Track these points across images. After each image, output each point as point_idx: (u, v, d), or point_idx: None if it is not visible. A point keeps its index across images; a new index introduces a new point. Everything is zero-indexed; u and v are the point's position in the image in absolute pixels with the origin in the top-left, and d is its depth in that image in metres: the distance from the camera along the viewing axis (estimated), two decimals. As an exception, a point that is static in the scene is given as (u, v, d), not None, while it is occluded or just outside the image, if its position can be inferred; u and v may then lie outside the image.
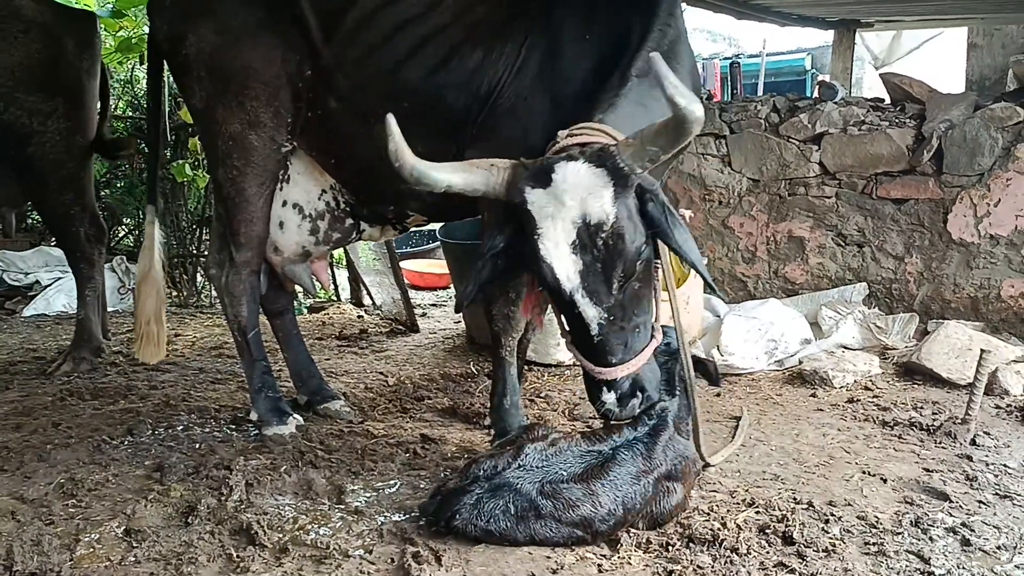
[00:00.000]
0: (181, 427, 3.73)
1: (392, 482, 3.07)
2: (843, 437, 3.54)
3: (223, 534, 2.65)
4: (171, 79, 3.97)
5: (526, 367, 4.16)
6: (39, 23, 4.52)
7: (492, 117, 3.11)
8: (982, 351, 3.49)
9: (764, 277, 5.75)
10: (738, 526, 2.63)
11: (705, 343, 4.66)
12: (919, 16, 7.40)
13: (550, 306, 3.04)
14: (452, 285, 6.71)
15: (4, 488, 3.05)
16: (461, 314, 5.53)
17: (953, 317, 4.93)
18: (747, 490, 2.96)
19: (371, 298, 6.68)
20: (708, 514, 2.73)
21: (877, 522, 2.69)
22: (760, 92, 10.27)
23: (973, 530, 2.62)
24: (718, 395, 4.18)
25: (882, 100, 5.69)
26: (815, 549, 2.50)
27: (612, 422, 2.70)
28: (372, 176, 3.39)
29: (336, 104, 3.37)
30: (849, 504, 2.84)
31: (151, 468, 3.25)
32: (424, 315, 6.34)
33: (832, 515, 2.73)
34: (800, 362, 4.56)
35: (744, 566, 2.41)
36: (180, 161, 6.53)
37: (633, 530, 2.60)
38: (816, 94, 6.20)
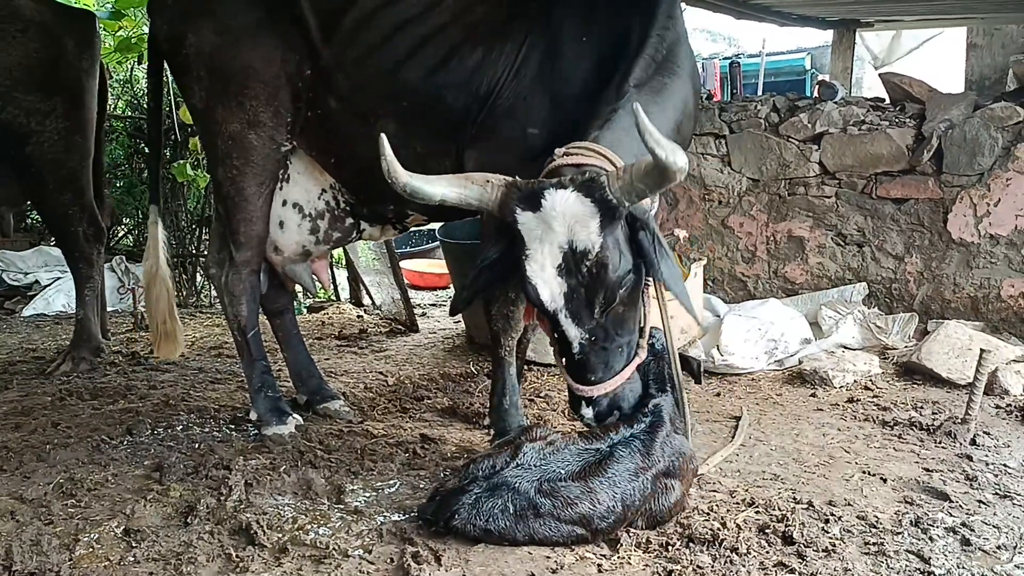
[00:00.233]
0: (180, 427, 3.73)
1: (392, 482, 3.07)
2: (843, 437, 3.54)
3: (222, 534, 2.65)
4: (171, 79, 3.98)
5: (526, 367, 4.16)
6: (38, 23, 4.52)
7: (491, 117, 3.11)
8: (982, 351, 3.49)
9: (764, 277, 5.75)
10: (738, 526, 2.63)
11: (705, 343, 4.66)
12: (919, 16, 7.40)
13: None
14: (452, 285, 6.71)
15: (3, 488, 3.05)
16: (461, 314, 5.53)
17: (953, 317, 4.93)
18: (747, 490, 2.95)
19: (371, 298, 6.68)
20: (708, 514, 2.73)
21: (877, 522, 2.69)
22: (760, 92, 10.25)
23: (973, 530, 2.62)
24: (718, 395, 4.18)
25: (882, 100, 5.69)
26: (815, 549, 2.49)
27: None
28: (372, 176, 3.36)
29: (336, 104, 3.37)
30: (849, 504, 2.84)
31: (150, 468, 3.25)
32: (424, 315, 6.34)
33: (832, 515, 2.73)
34: (800, 362, 4.56)
35: (744, 566, 2.41)
36: (180, 161, 6.53)
37: (632, 530, 2.60)
38: (816, 94, 6.19)
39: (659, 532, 2.61)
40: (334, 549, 2.54)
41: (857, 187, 5.31)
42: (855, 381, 4.26)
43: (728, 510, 2.76)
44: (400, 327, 5.85)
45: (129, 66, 7.38)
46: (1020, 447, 3.36)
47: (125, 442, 3.53)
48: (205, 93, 3.48)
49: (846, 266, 5.42)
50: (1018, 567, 2.43)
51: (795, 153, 5.48)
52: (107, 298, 5.69)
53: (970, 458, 3.24)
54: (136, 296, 6.38)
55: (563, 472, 2.56)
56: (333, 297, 6.93)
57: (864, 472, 3.13)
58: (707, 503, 2.83)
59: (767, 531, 2.61)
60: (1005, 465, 3.16)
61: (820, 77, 9.97)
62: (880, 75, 6.16)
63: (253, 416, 3.69)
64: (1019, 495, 2.90)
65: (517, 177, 2.52)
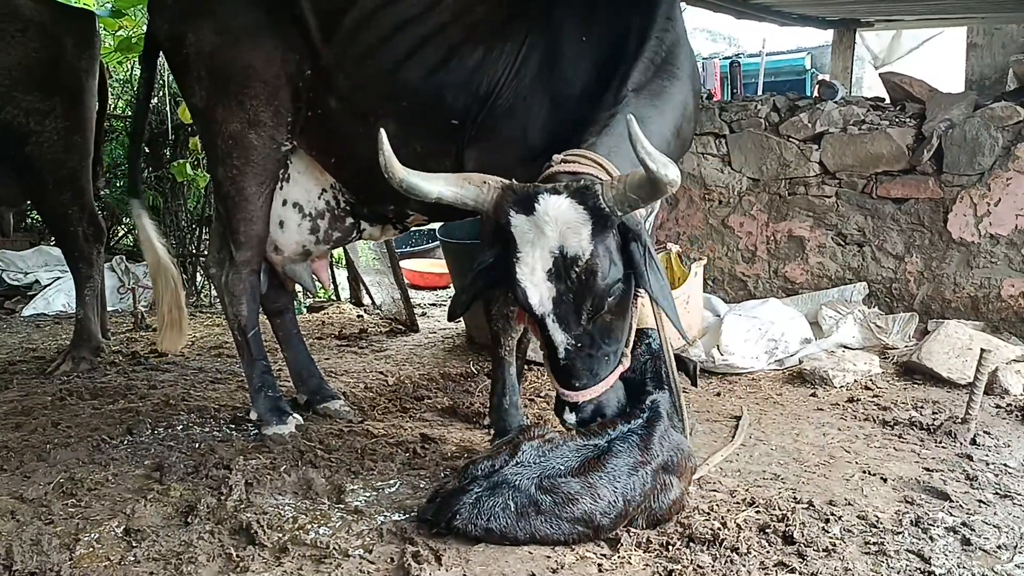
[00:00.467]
0: (181, 427, 3.73)
1: (392, 481, 3.07)
2: (843, 436, 3.53)
3: (223, 534, 2.65)
4: (171, 78, 3.97)
5: (526, 367, 4.16)
6: (37, 22, 4.52)
7: (491, 117, 3.11)
8: (982, 350, 3.49)
9: (764, 276, 5.75)
10: (738, 525, 2.63)
11: (705, 343, 4.66)
12: (919, 15, 7.39)
13: None
14: (452, 285, 6.71)
15: (4, 487, 3.05)
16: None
17: (953, 316, 4.93)
18: (747, 489, 2.95)
19: (371, 298, 6.68)
20: (708, 513, 2.73)
21: (877, 521, 2.69)
22: (760, 91, 10.25)
23: (973, 529, 2.62)
24: (718, 395, 4.18)
25: (882, 99, 5.69)
26: (815, 549, 2.49)
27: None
28: (372, 176, 3.36)
29: (336, 104, 3.37)
30: (849, 504, 2.84)
31: (151, 468, 3.25)
32: (424, 315, 6.34)
33: (832, 515, 2.73)
34: (800, 362, 4.56)
35: (744, 565, 2.41)
36: (180, 160, 6.52)
37: (633, 529, 2.60)
38: (816, 93, 6.19)
39: (659, 532, 2.61)
40: (334, 549, 2.54)
41: (857, 187, 5.31)
42: (855, 381, 4.26)
43: (728, 510, 2.76)
44: (400, 327, 5.85)
45: (129, 66, 7.37)
46: (1020, 447, 3.36)
47: (125, 442, 3.53)
48: (205, 93, 3.48)
49: (846, 266, 5.42)
50: (1018, 567, 2.43)
51: (795, 153, 5.48)
52: (107, 298, 5.68)
53: (970, 458, 3.24)
54: (136, 296, 6.39)
55: (563, 468, 2.56)
56: (333, 297, 6.93)
57: (864, 472, 3.13)
58: (707, 503, 2.83)
59: (767, 531, 2.61)
60: (1005, 465, 3.17)
61: (820, 77, 9.95)
62: (880, 75, 6.16)
63: (253, 416, 3.69)
64: (1019, 495, 2.90)
65: (514, 180, 2.53)
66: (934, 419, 3.63)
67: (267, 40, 3.35)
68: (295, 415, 3.70)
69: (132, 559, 2.52)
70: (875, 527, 2.66)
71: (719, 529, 2.58)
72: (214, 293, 6.66)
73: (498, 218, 2.50)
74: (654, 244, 2.79)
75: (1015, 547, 2.52)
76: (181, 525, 2.73)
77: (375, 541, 2.61)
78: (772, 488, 2.98)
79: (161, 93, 6.69)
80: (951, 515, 2.74)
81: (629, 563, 2.45)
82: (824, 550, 2.49)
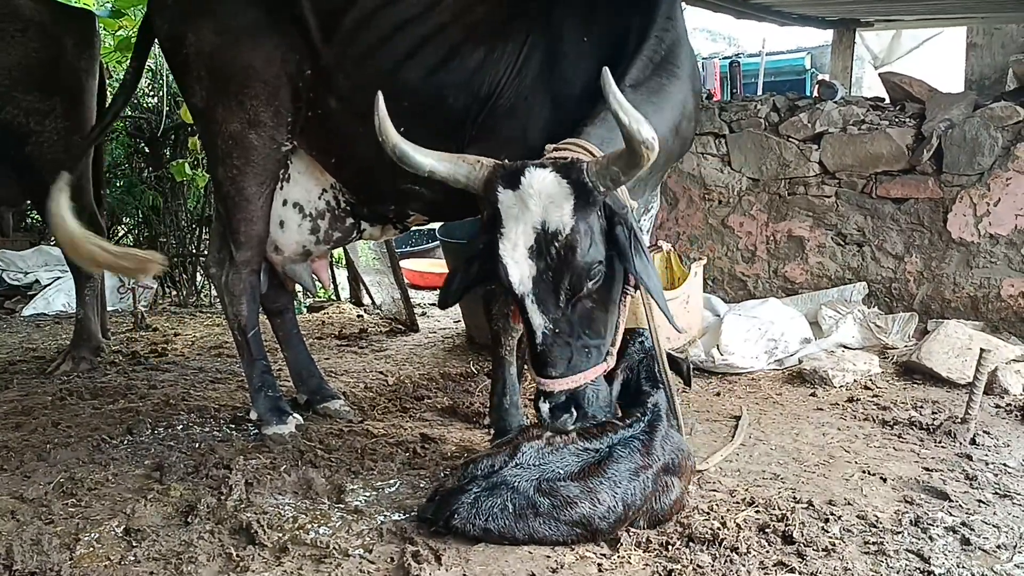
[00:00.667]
0: (181, 426, 3.73)
1: (392, 481, 3.07)
2: (843, 436, 3.54)
3: (223, 533, 2.65)
4: (171, 78, 3.97)
5: (526, 366, 4.16)
6: (37, 22, 4.51)
7: (492, 117, 3.11)
8: (982, 350, 3.49)
9: (764, 276, 5.75)
10: (738, 525, 2.63)
11: (705, 342, 4.66)
12: (919, 15, 7.39)
13: None
14: (452, 284, 6.69)
15: (4, 487, 3.05)
16: (461, 313, 5.54)
17: (953, 316, 4.93)
18: (747, 489, 2.96)
19: (371, 297, 6.68)
20: (708, 513, 2.73)
21: (877, 521, 2.69)
22: (760, 91, 10.25)
23: (973, 529, 2.62)
24: (718, 395, 4.18)
25: (882, 99, 5.70)
26: (815, 548, 2.50)
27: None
28: (372, 176, 3.39)
29: (336, 104, 3.37)
30: (849, 503, 2.84)
31: (151, 467, 3.25)
32: (424, 314, 6.34)
33: (832, 514, 2.73)
34: (800, 361, 4.56)
35: (744, 565, 2.41)
36: (180, 160, 6.52)
37: (633, 529, 2.60)
38: (816, 93, 6.19)
39: (659, 531, 2.61)
40: (334, 548, 2.54)
41: (857, 187, 5.31)
42: (855, 381, 4.26)
43: (728, 509, 2.77)
44: (400, 327, 5.86)
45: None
46: (1020, 447, 3.36)
47: (125, 442, 3.53)
48: (205, 93, 3.48)
49: (846, 266, 5.42)
50: (1018, 567, 2.43)
51: (795, 153, 5.48)
52: (107, 298, 5.68)
53: (970, 457, 3.24)
54: (136, 296, 6.40)
55: (563, 472, 2.56)
56: (333, 297, 6.93)
57: (864, 471, 3.13)
58: (707, 502, 2.83)
59: (767, 530, 2.61)
60: (1005, 464, 3.17)
61: (820, 77, 9.95)
62: (880, 75, 6.16)
63: (253, 416, 3.69)
64: (1019, 494, 2.90)
65: (505, 159, 2.54)
66: (934, 419, 3.63)
67: (267, 40, 3.35)
68: (295, 415, 3.70)
69: (132, 559, 2.53)
70: (875, 527, 2.66)
71: (719, 529, 2.58)
72: (214, 293, 6.66)
73: (487, 195, 2.51)
74: (650, 242, 2.78)
75: (1014, 547, 2.53)
76: (181, 525, 2.74)
77: (375, 541, 2.61)
78: (772, 488, 2.99)
79: (161, 93, 6.70)
80: (951, 515, 2.74)
81: (629, 563, 2.45)
82: (824, 550, 2.50)
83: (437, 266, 7.66)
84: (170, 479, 3.10)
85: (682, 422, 3.01)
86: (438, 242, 6.64)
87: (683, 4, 4.19)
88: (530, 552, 2.50)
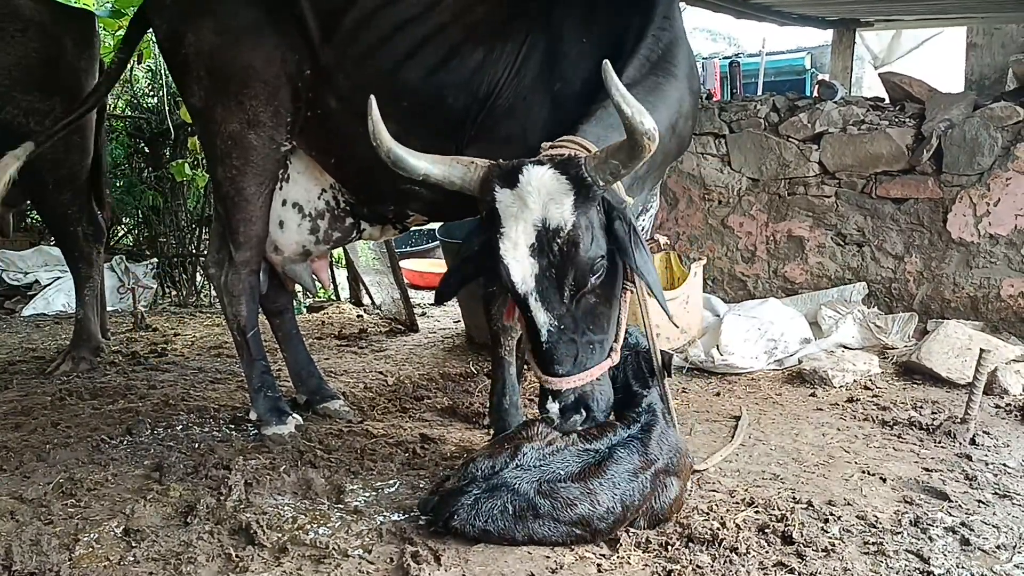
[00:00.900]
0: (180, 427, 3.73)
1: (391, 482, 3.07)
2: (842, 437, 3.54)
3: (222, 534, 2.65)
4: (170, 78, 3.97)
5: (526, 367, 4.16)
6: (37, 22, 4.51)
7: (491, 117, 3.11)
8: (981, 350, 3.49)
9: (764, 276, 5.75)
10: (737, 526, 2.63)
11: (705, 342, 4.66)
12: (919, 15, 7.39)
13: None
14: (451, 285, 6.70)
15: (3, 488, 3.05)
16: (461, 314, 5.54)
17: (953, 316, 4.93)
18: (746, 490, 2.95)
19: (371, 297, 6.68)
20: (707, 514, 2.73)
21: (876, 521, 2.69)
22: (760, 91, 10.25)
23: (972, 529, 2.62)
24: (718, 395, 4.18)
25: (882, 99, 5.69)
26: (814, 549, 2.49)
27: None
28: (372, 176, 3.39)
29: (336, 104, 3.37)
30: (848, 504, 2.84)
31: (150, 468, 3.25)
32: (424, 315, 6.34)
33: (831, 515, 2.73)
34: (800, 361, 4.56)
35: (743, 566, 2.41)
36: (179, 160, 6.53)
37: (632, 529, 2.60)
38: (816, 93, 6.19)
39: (658, 532, 2.61)
40: (334, 549, 2.54)
41: (857, 187, 5.31)
42: (855, 381, 4.26)
43: (728, 510, 2.76)
44: (400, 327, 5.86)
45: (129, 66, 7.36)
46: (1019, 447, 3.36)
47: (125, 442, 3.53)
48: (204, 93, 3.48)
49: (846, 266, 5.42)
50: (1017, 567, 2.43)
51: (795, 153, 5.48)
52: (107, 298, 5.68)
53: (969, 458, 3.24)
54: (136, 296, 6.40)
55: (562, 473, 2.56)
56: (333, 297, 6.93)
57: (864, 472, 3.13)
58: (706, 503, 2.83)
59: (766, 531, 2.61)
60: (1004, 465, 3.17)
61: (820, 77, 9.95)
62: (880, 75, 6.16)
63: (253, 416, 3.69)
64: (1018, 495, 2.90)
65: (500, 159, 2.54)
66: (933, 419, 3.63)
67: (267, 40, 3.35)
68: (295, 415, 3.70)
69: (131, 559, 2.52)
70: (874, 527, 2.66)
71: (718, 529, 2.58)
72: (214, 293, 6.66)
73: (484, 195, 2.50)
74: (648, 240, 2.78)
75: (1014, 547, 2.53)
76: (180, 525, 2.73)
77: (374, 541, 2.61)
78: (771, 488, 2.98)
79: (161, 93, 6.70)
80: (950, 515, 2.74)
81: (628, 563, 2.45)
82: (823, 550, 2.49)
83: (437, 266, 7.67)
84: (169, 479, 3.09)
85: (675, 419, 3.01)
86: (438, 242, 6.64)
87: (682, 4, 4.20)
88: (529, 552, 2.50)
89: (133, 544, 2.61)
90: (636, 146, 2.30)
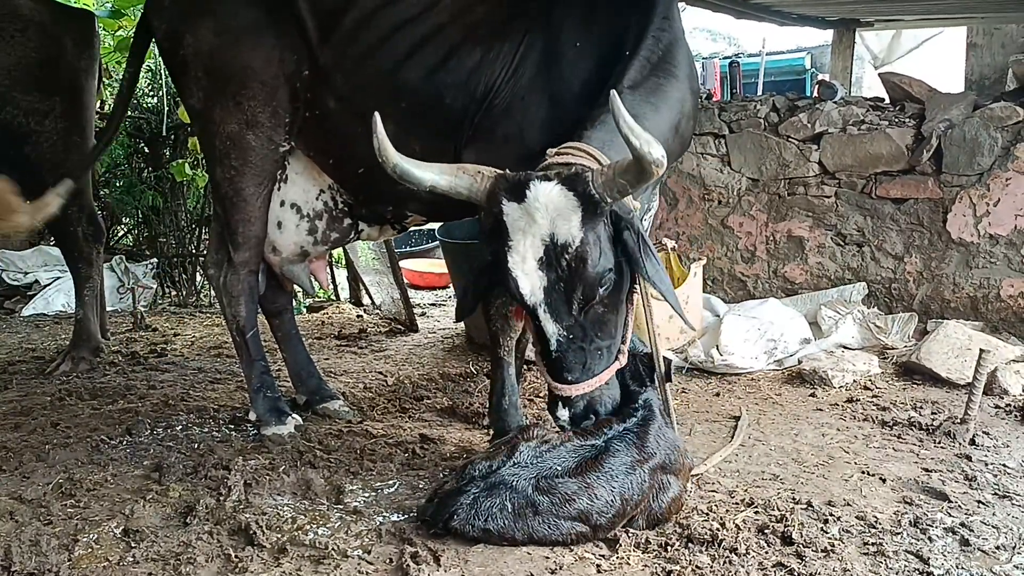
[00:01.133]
0: (180, 427, 3.73)
1: (391, 482, 3.07)
2: (842, 437, 3.53)
3: (222, 534, 2.65)
4: (169, 78, 3.97)
5: (525, 367, 4.16)
6: (37, 22, 4.51)
7: (488, 117, 3.11)
8: (981, 351, 3.49)
9: (763, 277, 5.75)
10: (737, 526, 2.63)
11: (704, 343, 4.66)
12: (919, 15, 7.39)
13: None
14: (452, 285, 6.71)
15: (3, 488, 3.05)
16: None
17: (952, 317, 4.92)
18: (746, 490, 2.95)
19: (370, 298, 6.67)
20: (707, 514, 2.73)
21: (876, 522, 2.69)
22: (760, 91, 10.25)
23: (972, 530, 2.62)
24: (717, 395, 4.18)
25: (882, 99, 5.69)
26: (814, 549, 2.49)
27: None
28: (370, 176, 3.38)
29: (335, 104, 3.37)
30: (848, 504, 2.84)
31: (150, 468, 3.25)
32: (423, 315, 6.33)
33: (831, 515, 2.73)
34: (799, 362, 4.56)
35: (743, 566, 2.41)
36: (179, 160, 6.53)
37: (632, 530, 2.60)
38: (815, 93, 6.19)
39: (658, 532, 2.61)
40: (333, 549, 2.54)
41: (857, 187, 5.31)
42: (854, 381, 4.26)
43: (727, 510, 2.76)
44: (400, 327, 5.85)
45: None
46: (1019, 447, 3.36)
47: (124, 442, 3.53)
48: (203, 93, 3.48)
49: (846, 266, 5.42)
50: (1017, 567, 2.43)
51: (795, 153, 5.48)
52: (107, 298, 5.68)
53: (969, 458, 3.23)
54: (136, 296, 6.39)
55: (560, 469, 2.56)
56: (333, 297, 6.93)
57: (863, 472, 3.13)
58: (706, 503, 2.83)
59: (766, 531, 2.61)
60: (1004, 465, 3.16)
61: (820, 77, 9.96)
62: (880, 75, 6.15)
63: (252, 416, 3.69)
64: (1018, 495, 2.90)
65: (507, 170, 2.53)
66: (933, 419, 3.63)
67: (266, 40, 3.35)
68: (294, 415, 3.70)
69: (131, 559, 2.52)
70: (874, 527, 2.66)
71: (718, 529, 2.58)
72: (213, 293, 6.65)
73: (490, 207, 2.50)
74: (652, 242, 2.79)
75: (1014, 547, 2.52)
76: (180, 526, 2.73)
77: (374, 542, 2.61)
78: (771, 488, 2.98)
79: (161, 93, 6.69)
80: (950, 515, 2.74)
81: (628, 564, 2.45)
82: (823, 551, 2.49)
83: (437, 266, 7.66)
84: (169, 480, 3.09)
85: (675, 420, 3.01)
86: (437, 242, 6.64)
87: (682, 4, 4.20)
88: (529, 553, 2.50)
89: (132, 544, 2.61)
90: (644, 172, 2.31)
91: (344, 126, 3.37)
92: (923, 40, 12.44)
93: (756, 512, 2.76)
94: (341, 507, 2.87)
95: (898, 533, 2.62)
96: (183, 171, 6.46)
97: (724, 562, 2.42)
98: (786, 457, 3.32)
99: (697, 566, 2.41)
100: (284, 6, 3.32)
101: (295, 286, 4.07)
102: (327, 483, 3.04)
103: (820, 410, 3.91)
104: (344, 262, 6.99)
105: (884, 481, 3.04)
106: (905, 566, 2.42)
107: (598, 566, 2.45)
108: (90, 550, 2.59)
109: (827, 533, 2.62)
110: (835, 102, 5.47)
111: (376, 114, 2.51)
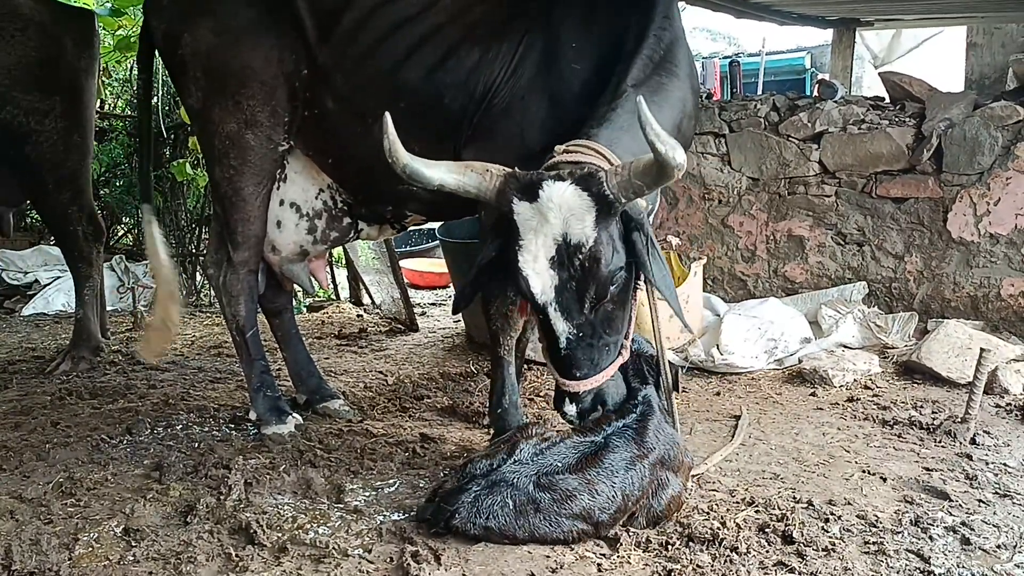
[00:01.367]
0: (180, 426, 3.73)
1: (391, 481, 3.07)
2: (843, 436, 3.53)
3: (222, 533, 2.65)
4: (166, 78, 3.97)
5: (525, 366, 4.16)
6: (37, 22, 4.51)
7: (487, 117, 3.11)
8: (982, 350, 3.49)
9: (764, 276, 5.74)
10: (738, 525, 2.63)
11: (705, 342, 4.65)
12: (919, 15, 7.39)
13: None
14: (452, 284, 6.71)
15: (3, 487, 3.05)
16: (460, 313, 5.53)
17: (953, 316, 4.92)
18: (747, 489, 2.95)
19: (370, 297, 6.67)
20: (708, 513, 2.73)
21: (877, 521, 2.69)
22: (760, 91, 10.25)
23: (973, 529, 2.62)
24: (718, 394, 4.18)
25: (882, 99, 5.69)
26: (815, 548, 2.49)
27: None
28: (370, 176, 3.38)
29: (334, 104, 3.37)
30: (849, 503, 2.84)
31: (150, 467, 3.25)
32: (423, 314, 6.33)
33: (832, 514, 2.73)
34: (800, 361, 4.55)
35: (744, 565, 2.41)
36: (180, 160, 6.52)
37: (632, 529, 2.60)
38: (816, 93, 6.19)
39: (659, 531, 2.61)
40: (334, 548, 2.54)
41: (857, 186, 5.31)
42: (855, 380, 4.26)
43: (728, 509, 2.76)
44: (400, 326, 5.85)
45: (129, 65, 7.37)
46: (1020, 446, 3.36)
47: (125, 441, 3.53)
48: (202, 93, 3.48)
49: (846, 265, 5.41)
50: (1018, 566, 2.43)
51: (795, 152, 5.48)
52: (107, 297, 5.68)
53: (970, 457, 3.23)
54: (136, 296, 6.39)
55: (560, 465, 2.57)
56: (333, 296, 6.92)
57: (864, 471, 3.13)
58: (707, 502, 2.83)
59: (767, 530, 2.61)
60: (1005, 464, 3.16)
61: (820, 76, 9.95)
62: (880, 74, 6.15)
63: (253, 415, 3.69)
64: (1019, 494, 2.89)
65: (516, 168, 2.53)
66: (934, 419, 3.63)
67: (265, 40, 3.35)
68: (294, 415, 3.70)
69: (131, 559, 2.52)
70: (874, 527, 2.66)
71: (718, 528, 2.58)
72: (213, 293, 6.65)
73: (500, 206, 2.50)
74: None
75: (1014, 547, 2.52)
76: (180, 525, 2.73)
77: (374, 541, 2.61)
78: (771, 487, 2.98)
79: (161, 93, 6.69)
80: (951, 515, 2.74)
81: (628, 563, 2.45)
82: (823, 550, 2.49)
83: (437, 266, 7.66)
84: (169, 479, 3.09)
85: (677, 420, 3.01)
86: (438, 242, 6.64)
87: (682, 4, 4.20)
88: (529, 552, 2.50)
89: (133, 544, 2.61)
90: (665, 176, 2.32)
91: (343, 126, 3.37)
92: (923, 40, 12.46)
93: (757, 511, 2.75)
94: (342, 506, 2.87)
95: (899, 532, 2.62)
96: (183, 171, 6.46)
97: (725, 561, 2.42)
98: (787, 456, 3.32)
99: (698, 565, 2.41)
100: (283, 6, 3.32)
101: (295, 285, 4.07)
102: (327, 482, 3.04)
103: (820, 409, 3.91)
104: (344, 261, 6.99)
105: (885, 480, 3.04)
106: (906, 565, 2.42)
107: (599, 565, 2.45)
108: (90, 549, 2.59)
109: (828, 532, 2.62)
110: (835, 101, 5.47)
111: (387, 115, 2.50)
